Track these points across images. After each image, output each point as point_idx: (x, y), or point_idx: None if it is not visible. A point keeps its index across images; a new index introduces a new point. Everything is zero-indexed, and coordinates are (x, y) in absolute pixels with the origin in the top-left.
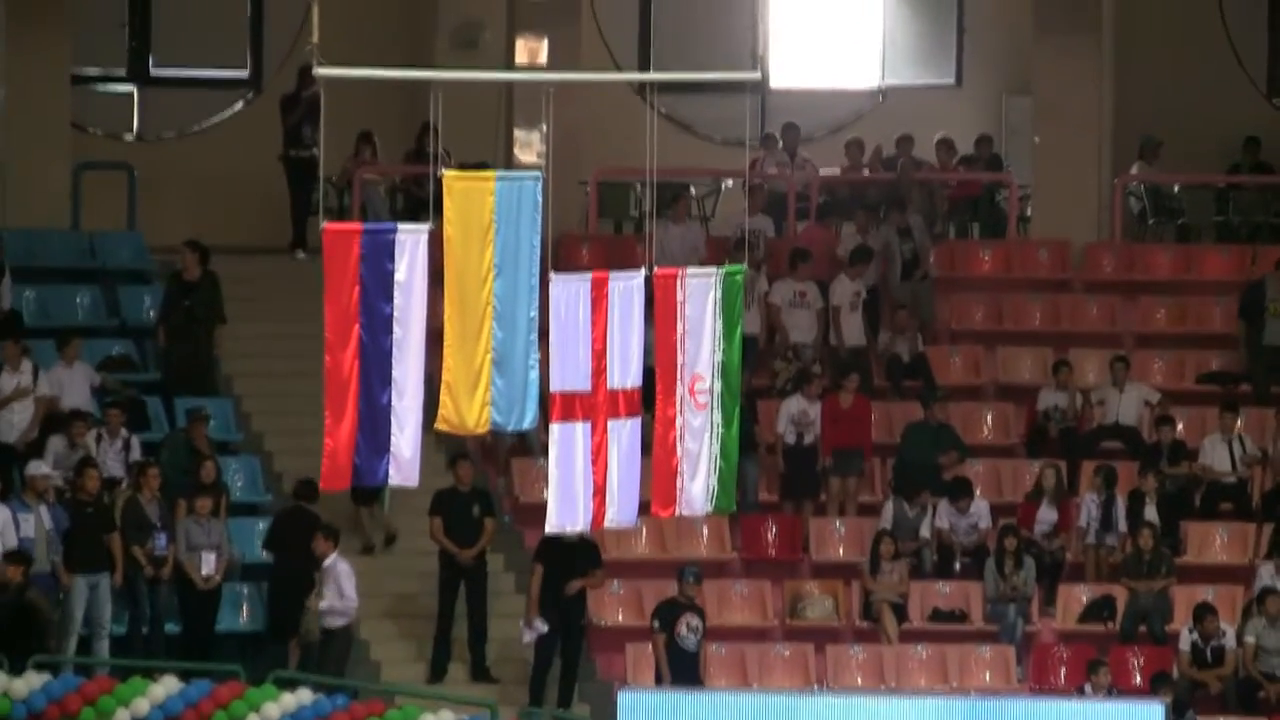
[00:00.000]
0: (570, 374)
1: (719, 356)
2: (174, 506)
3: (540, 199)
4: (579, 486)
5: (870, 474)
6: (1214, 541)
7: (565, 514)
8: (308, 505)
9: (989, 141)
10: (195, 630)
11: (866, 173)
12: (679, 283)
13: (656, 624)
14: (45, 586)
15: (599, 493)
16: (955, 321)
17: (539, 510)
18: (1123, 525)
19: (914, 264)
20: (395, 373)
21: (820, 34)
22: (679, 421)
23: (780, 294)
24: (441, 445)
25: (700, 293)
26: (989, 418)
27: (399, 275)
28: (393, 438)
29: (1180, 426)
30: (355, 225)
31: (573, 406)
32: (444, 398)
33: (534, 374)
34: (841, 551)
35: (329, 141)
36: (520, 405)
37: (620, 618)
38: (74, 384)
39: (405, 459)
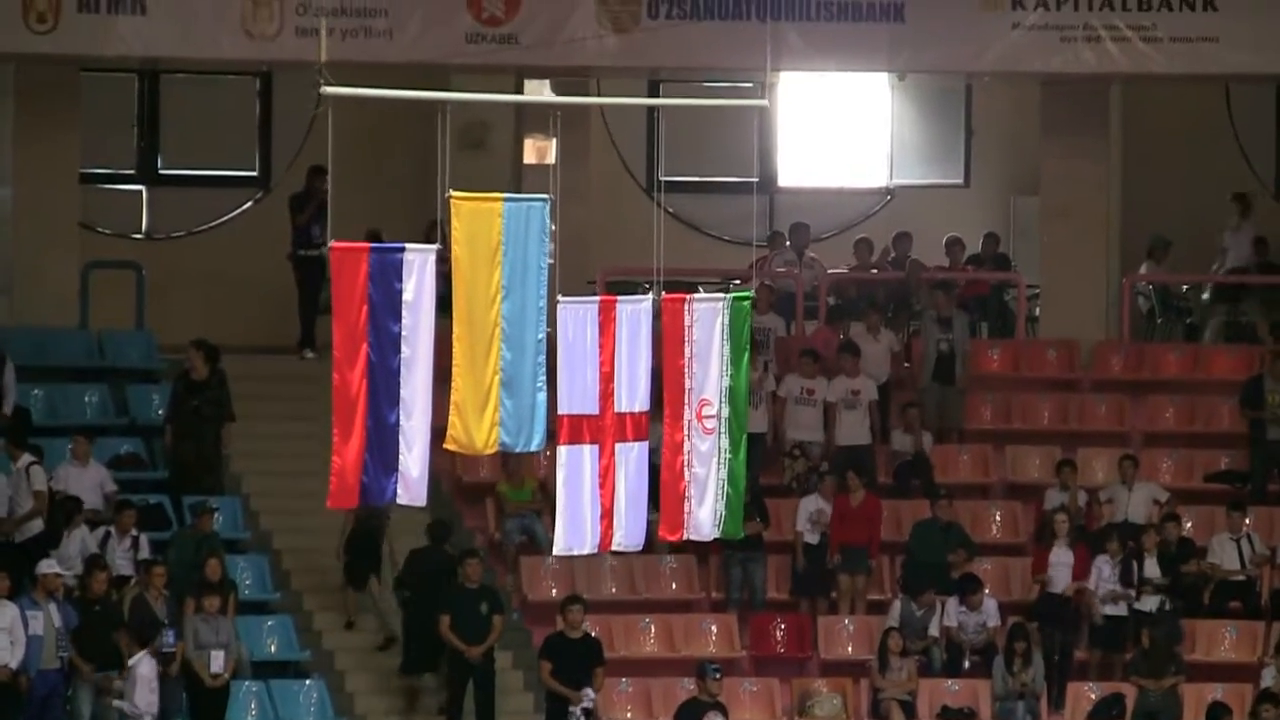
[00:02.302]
0: (578, 397)
1: (727, 381)
2: (182, 604)
3: (548, 221)
4: (586, 510)
5: (879, 572)
6: (1223, 640)
7: (573, 537)
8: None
9: (995, 239)
10: None
11: (874, 272)
12: (686, 307)
13: None
14: (54, 684)
15: (606, 516)
16: (965, 420)
17: (547, 608)
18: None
19: (950, 360)
20: (403, 392)
21: (829, 134)
22: (686, 446)
23: (787, 389)
24: (450, 543)
25: (708, 318)
26: (998, 516)
27: (407, 295)
28: (401, 457)
29: (1189, 525)
30: (363, 245)
31: (580, 429)
32: (453, 418)
33: (542, 395)
34: (850, 649)
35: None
36: (529, 427)
37: (629, 716)
38: (84, 484)
39: (413, 479)
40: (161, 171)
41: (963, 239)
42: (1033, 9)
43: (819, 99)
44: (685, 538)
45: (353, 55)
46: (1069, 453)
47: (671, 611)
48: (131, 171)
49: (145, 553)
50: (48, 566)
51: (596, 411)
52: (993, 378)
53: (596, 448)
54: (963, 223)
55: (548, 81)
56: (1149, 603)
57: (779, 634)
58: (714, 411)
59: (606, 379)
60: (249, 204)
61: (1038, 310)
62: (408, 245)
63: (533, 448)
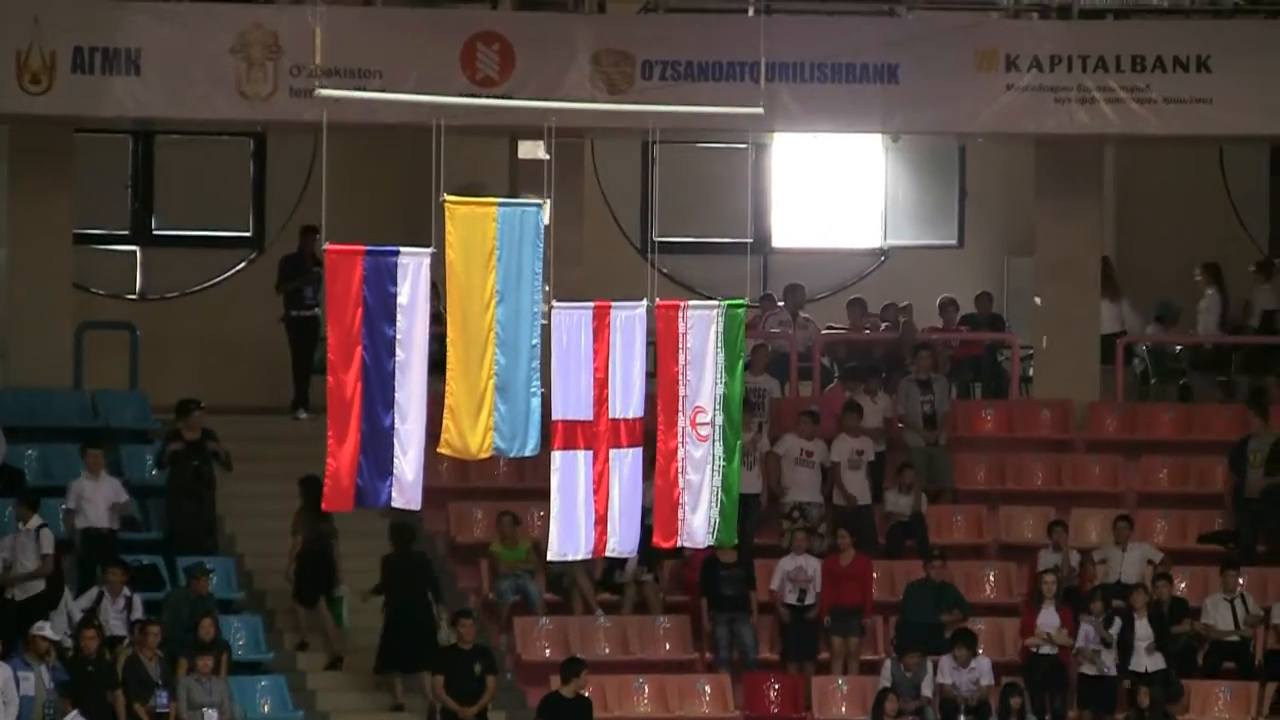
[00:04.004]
0: (572, 402)
1: (721, 389)
2: (175, 664)
3: (543, 227)
4: (580, 515)
5: (873, 632)
6: (1217, 700)
7: (567, 542)
8: (412, 548)
9: (989, 298)
10: None
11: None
12: (681, 314)
13: None
14: None
15: (600, 522)
16: (959, 481)
17: (541, 668)
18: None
19: (933, 421)
20: (398, 396)
21: (823, 195)
22: (680, 453)
23: (785, 450)
24: (442, 610)
25: (702, 325)
26: (991, 576)
27: (401, 298)
28: (395, 460)
29: (1183, 585)
30: (358, 247)
31: (574, 434)
32: (447, 422)
33: (536, 401)
34: (844, 710)
35: None
36: (523, 432)
37: None
38: (99, 499)
39: (408, 482)
40: (155, 232)
41: (956, 300)
42: (1026, 70)
43: (813, 160)
44: (679, 544)
45: (347, 116)
46: (1063, 513)
47: (665, 672)
48: (126, 232)
49: (139, 613)
50: (39, 629)
51: (591, 417)
52: (986, 438)
53: (591, 453)
54: (957, 283)
55: (540, 142)
56: (1143, 662)
57: (773, 694)
58: (708, 419)
59: (601, 385)
60: (243, 264)
61: (1031, 370)
62: (402, 249)
63: (527, 452)
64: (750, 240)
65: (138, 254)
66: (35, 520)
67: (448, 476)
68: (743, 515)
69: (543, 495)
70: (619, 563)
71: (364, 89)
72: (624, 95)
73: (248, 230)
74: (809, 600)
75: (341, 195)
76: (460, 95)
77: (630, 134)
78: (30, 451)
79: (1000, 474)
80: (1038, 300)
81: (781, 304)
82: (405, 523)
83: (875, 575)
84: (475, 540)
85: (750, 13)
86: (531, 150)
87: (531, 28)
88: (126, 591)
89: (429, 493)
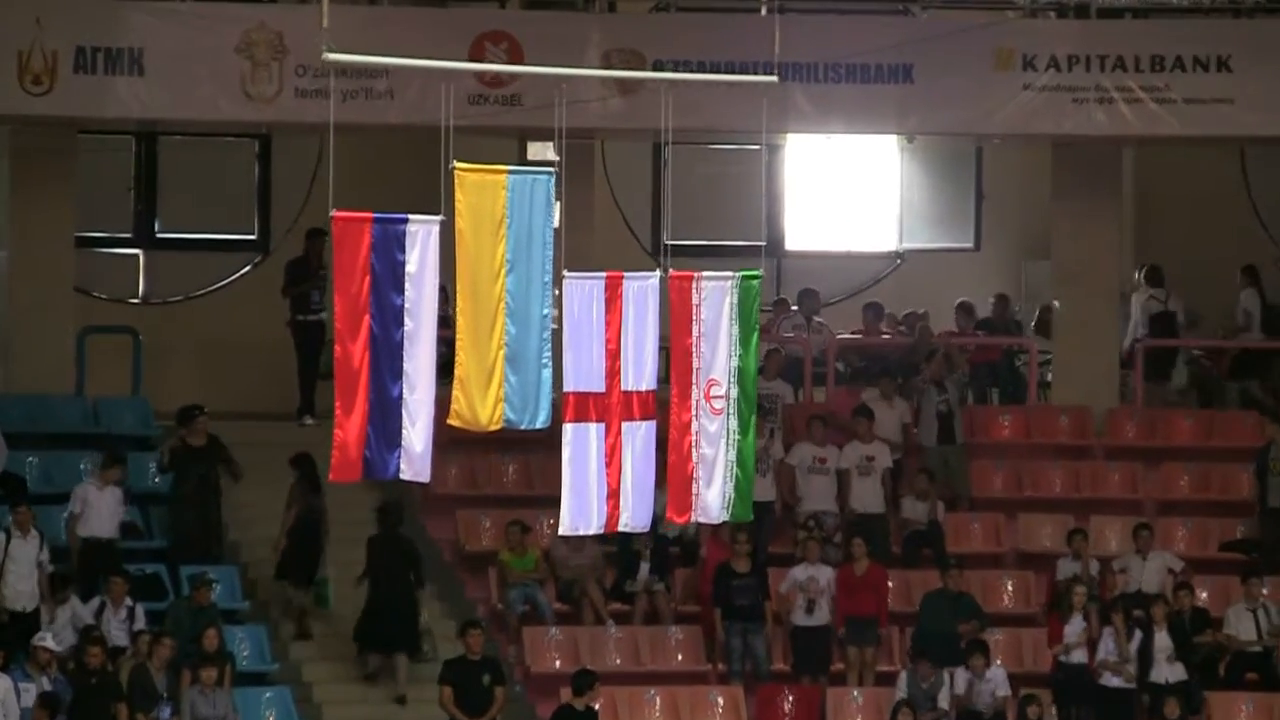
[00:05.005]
0: (584, 374)
1: (735, 362)
2: (179, 676)
3: (554, 194)
4: (593, 489)
5: (889, 643)
6: (1239, 712)
7: (579, 517)
8: (397, 531)
9: (1005, 301)
10: None
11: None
12: (694, 285)
13: None
14: None
15: (613, 496)
16: (976, 489)
17: (551, 680)
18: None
19: (949, 420)
20: (407, 366)
21: (837, 197)
22: (694, 427)
23: (799, 458)
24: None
25: (716, 296)
26: (1009, 586)
27: (410, 267)
28: (404, 431)
29: (1204, 595)
30: (365, 214)
31: (586, 407)
32: (456, 393)
33: (548, 372)
34: None
35: None
36: (534, 403)
37: None
38: (103, 508)
39: (417, 454)
40: (159, 235)
41: (973, 303)
42: (1044, 70)
43: (827, 161)
44: (693, 520)
45: (353, 117)
46: (1082, 521)
47: (677, 684)
48: (128, 235)
49: (141, 623)
50: (40, 639)
51: (603, 389)
52: (1004, 445)
53: (603, 426)
54: (973, 287)
55: (550, 143)
56: (1164, 673)
57: (787, 706)
58: (722, 392)
59: (613, 356)
60: (247, 268)
61: (1049, 376)
62: (411, 216)
63: (538, 424)
64: (764, 243)
65: (140, 257)
66: (33, 535)
67: (455, 484)
68: (757, 524)
69: (553, 503)
70: (630, 572)
71: (370, 89)
72: (635, 94)
73: (252, 233)
74: (818, 612)
75: (348, 198)
76: (469, 96)
77: (641, 134)
78: (31, 458)
79: (1018, 481)
80: (1056, 304)
81: (795, 308)
82: (393, 503)
83: (891, 584)
84: (483, 549)
85: (763, 12)
86: (540, 152)
87: (540, 27)
88: (129, 601)
89: (436, 501)
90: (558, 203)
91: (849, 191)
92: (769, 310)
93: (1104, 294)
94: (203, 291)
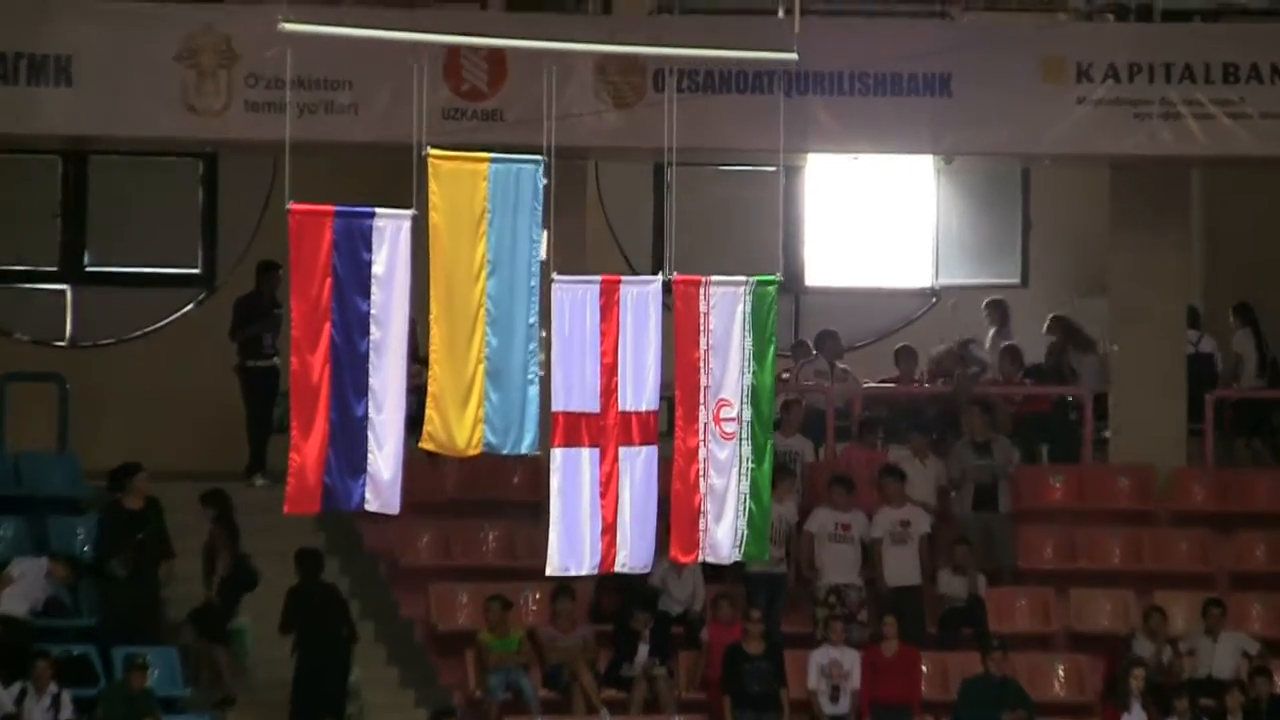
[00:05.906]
0: (576, 392)
1: (749, 379)
2: None
3: (541, 187)
4: (585, 523)
5: None
6: None
7: (569, 555)
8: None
9: (1062, 324)
10: None
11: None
12: (702, 291)
13: None
14: None
15: (608, 531)
16: (1022, 559)
17: None
18: None
19: (993, 489)
20: (373, 381)
21: (864, 226)
22: (702, 453)
23: (819, 525)
24: (423, 699)
25: (727, 305)
26: (1061, 671)
27: (377, 268)
28: (370, 456)
29: None
30: (327, 207)
31: (578, 429)
32: (430, 412)
33: (534, 389)
34: None
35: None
36: (518, 425)
37: None
38: (30, 581)
39: (384, 481)
40: (89, 268)
41: (1019, 347)
42: (1101, 81)
43: (852, 185)
44: (700, 560)
45: (311, 134)
46: (1144, 597)
47: None
48: (54, 269)
49: (68, 713)
50: None
51: (598, 410)
52: (1054, 509)
53: (597, 451)
54: (1020, 328)
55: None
56: None
57: None
58: (734, 414)
59: (609, 372)
60: (190, 306)
61: (1107, 431)
62: (378, 210)
63: (523, 449)
64: (779, 278)
65: (68, 294)
66: None
67: (427, 554)
68: (770, 598)
69: (538, 575)
70: (627, 654)
71: (332, 103)
72: (633, 109)
73: (196, 267)
74: (842, 700)
75: None
76: (443, 109)
77: (641, 154)
78: None
79: (1070, 551)
80: (1114, 348)
81: (816, 352)
82: (311, 549)
83: (925, 668)
84: (459, 627)
85: (780, 13)
86: None
87: (525, 32)
88: (53, 687)
89: (406, 573)
90: (545, 232)
91: (877, 220)
92: (787, 356)
93: (1169, 336)
94: (139, 333)
